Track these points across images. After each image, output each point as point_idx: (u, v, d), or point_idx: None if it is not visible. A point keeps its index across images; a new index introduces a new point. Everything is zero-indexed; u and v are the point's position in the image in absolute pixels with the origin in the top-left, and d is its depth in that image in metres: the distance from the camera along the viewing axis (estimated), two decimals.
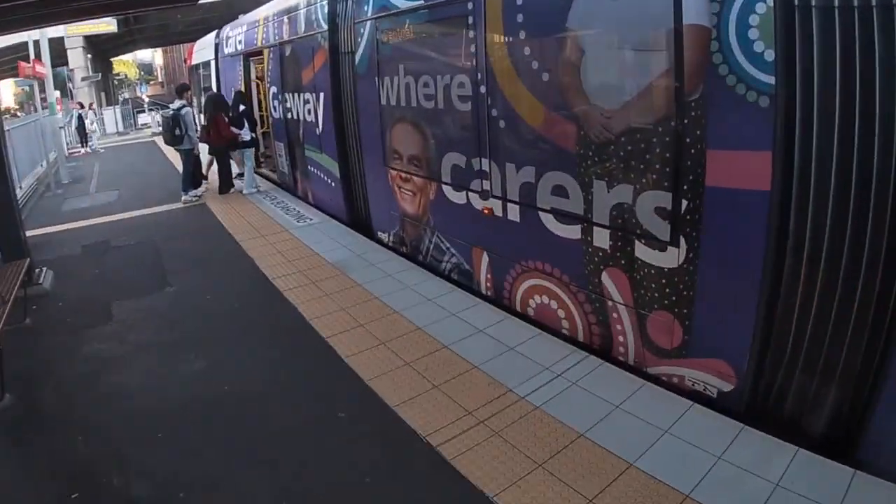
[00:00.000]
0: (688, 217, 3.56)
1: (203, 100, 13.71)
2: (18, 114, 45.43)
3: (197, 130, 10.79)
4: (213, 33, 15.54)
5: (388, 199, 7.11)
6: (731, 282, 3.48)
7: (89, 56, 35.88)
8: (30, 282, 6.58)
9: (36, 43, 17.69)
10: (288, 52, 9.59)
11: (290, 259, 7.08)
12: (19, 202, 10.82)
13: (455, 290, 5.74)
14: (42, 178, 14.82)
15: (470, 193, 5.52)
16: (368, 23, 6.78)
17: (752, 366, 3.48)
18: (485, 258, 5.57)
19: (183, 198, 10.79)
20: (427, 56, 5.91)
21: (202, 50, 17.30)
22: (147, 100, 40.77)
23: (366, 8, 6.84)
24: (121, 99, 43.60)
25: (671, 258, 3.73)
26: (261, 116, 12.48)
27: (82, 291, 6.73)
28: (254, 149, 11.41)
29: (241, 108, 10.98)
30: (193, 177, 11.03)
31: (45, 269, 7.21)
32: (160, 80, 79.67)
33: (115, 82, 54.91)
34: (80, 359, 5.05)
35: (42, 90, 17.84)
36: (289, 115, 10.02)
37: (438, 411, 3.77)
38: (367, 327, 5.08)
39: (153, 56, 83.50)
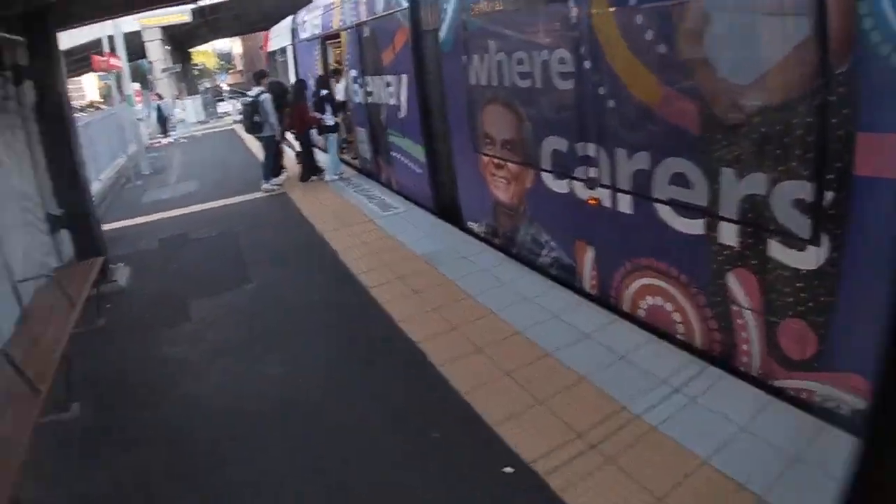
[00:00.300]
0: (832, 211, 3.19)
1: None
2: (102, 107, 48.13)
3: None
4: (289, 18, 15.89)
5: (480, 186, 6.91)
6: (879, 286, 3.10)
7: (168, 48, 37.25)
8: (104, 279, 6.84)
9: (110, 38, 18.46)
10: (367, 34, 9.57)
11: (375, 251, 7.04)
12: (98, 196, 11.43)
13: (555, 288, 5.51)
14: (122, 170, 15.54)
15: (573, 182, 5.24)
16: None
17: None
18: (590, 253, 5.30)
19: (263, 186, 11.02)
20: (521, 29, 5.62)
21: (278, 36, 17.72)
22: (227, 88, 41.98)
23: None
24: (201, 88, 45.26)
25: (810, 258, 3.37)
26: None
27: (159, 288, 6.92)
28: (337, 133, 11.48)
29: (324, 92, 11.05)
30: (274, 165, 11.21)
31: (121, 264, 7.52)
32: (239, 68, 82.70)
33: (196, 72, 57.00)
34: (155, 361, 5.16)
35: (120, 83, 18.58)
36: (370, 99, 10.03)
37: (544, 432, 3.56)
38: (461, 330, 4.92)
39: (231, 45, 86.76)
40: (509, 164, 6.21)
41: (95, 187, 12.42)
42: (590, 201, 5.05)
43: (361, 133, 11.06)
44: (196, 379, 4.75)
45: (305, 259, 7.23)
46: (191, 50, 54.07)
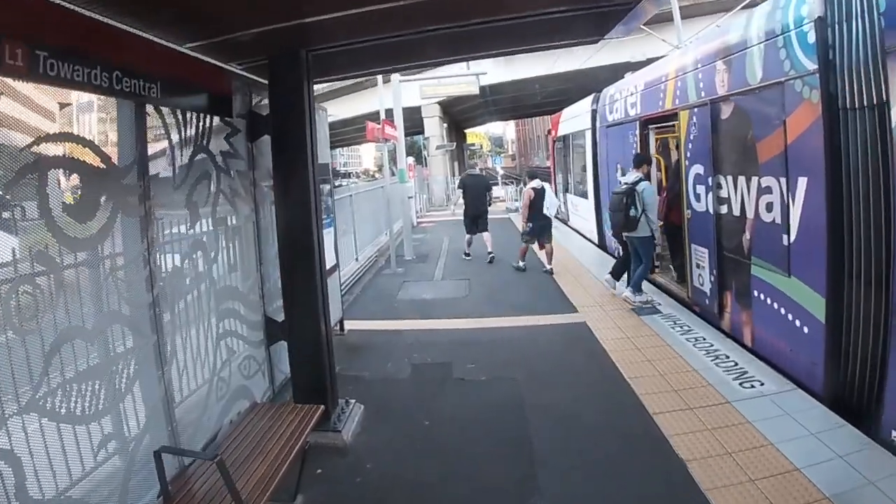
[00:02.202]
0: None
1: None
2: (377, 175, 52.49)
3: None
4: (589, 98, 14.84)
5: None
6: None
7: (445, 126, 38.90)
8: (324, 425, 5.25)
9: (388, 112, 18.55)
10: (726, 114, 7.28)
11: (751, 475, 4.40)
12: (349, 280, 11.27)
13: None
14: (382, 251, 15.11)
15: None
16: None
17: None
18: None
19: (627, 296, 9.34)
20: None
21: (572, 119, 16.86)
22: (501, 172, 42.58)
23: None
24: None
25: None
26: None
27: (396, 463, 5.02)
28: None
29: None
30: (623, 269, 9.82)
31: (353, 401, 5.95)
32: (510, 153, 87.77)
33: (468, 152, 60.19)
34: None
35: (393, 156, 18.50)
36: (723, 209, 7.53)
37: None
38: None
39: (504, 130, 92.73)
40: None
41: (351, 268, 11.98)
42: None
43: (700, 254, 8.45)
44: None
45: (631, 467, 4.71)
46: (466, 130, 57.50)
